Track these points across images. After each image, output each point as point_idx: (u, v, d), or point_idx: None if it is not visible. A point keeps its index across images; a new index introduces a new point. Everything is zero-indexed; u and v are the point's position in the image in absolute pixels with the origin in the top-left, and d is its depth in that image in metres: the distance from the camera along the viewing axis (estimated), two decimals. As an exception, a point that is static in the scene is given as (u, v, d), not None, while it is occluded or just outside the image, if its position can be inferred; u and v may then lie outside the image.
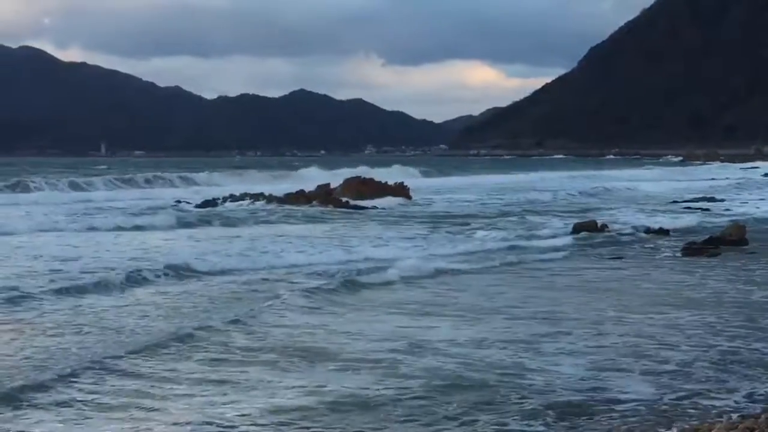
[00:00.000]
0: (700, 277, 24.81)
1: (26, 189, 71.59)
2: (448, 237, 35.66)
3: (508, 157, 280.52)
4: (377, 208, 51.90)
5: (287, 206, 51.13)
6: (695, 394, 12.78)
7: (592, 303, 20.15)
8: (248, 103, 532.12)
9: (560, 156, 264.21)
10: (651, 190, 74.68)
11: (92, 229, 37.92)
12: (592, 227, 37.33)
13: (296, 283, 22.93)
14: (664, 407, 12.14)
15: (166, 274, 23.80)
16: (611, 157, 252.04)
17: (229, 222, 42.00)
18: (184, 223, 40.83)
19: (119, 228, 38.43)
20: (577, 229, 36.92)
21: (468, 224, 41.62)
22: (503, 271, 26.62)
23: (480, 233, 36.75)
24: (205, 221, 41.80)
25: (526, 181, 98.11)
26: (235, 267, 25.84)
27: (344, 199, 54.30)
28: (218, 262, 26.02)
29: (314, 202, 52.92)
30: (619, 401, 12.37)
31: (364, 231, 37.99)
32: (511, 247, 32.21)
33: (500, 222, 43.05)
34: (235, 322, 17.38)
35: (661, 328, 17.17)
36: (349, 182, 61.09)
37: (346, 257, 28.33)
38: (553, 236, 35.72)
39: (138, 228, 38.67)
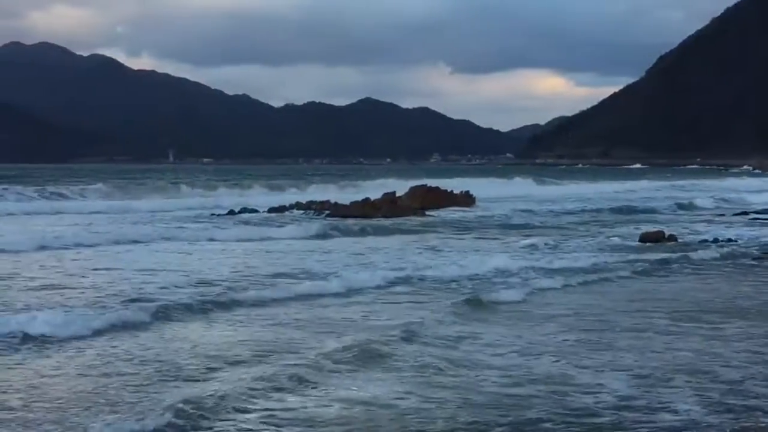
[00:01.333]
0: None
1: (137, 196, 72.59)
2: (549, 247, 34.06)
3: (584, 166, 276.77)
4: (443, 216, 51.78)
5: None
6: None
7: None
8: (315, 111, 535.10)
9: (637, 165, 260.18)
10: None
11: (212, 240, 36.17)
12: None
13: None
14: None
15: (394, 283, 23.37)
16: (695, 166, 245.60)
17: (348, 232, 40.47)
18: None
19: (242, 239, 36.47)
20: None
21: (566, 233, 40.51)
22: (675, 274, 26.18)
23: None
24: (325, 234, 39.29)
25: (624, 189, 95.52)
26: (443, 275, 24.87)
27: (414, 207, 54.03)
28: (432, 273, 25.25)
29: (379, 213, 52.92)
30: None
31: (462, 241, 36.63)
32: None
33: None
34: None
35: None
36: (414, 190, 60.74)
37: (485, 268, 26.56)
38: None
39: (268, 239, 37.01)
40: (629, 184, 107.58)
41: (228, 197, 70.42)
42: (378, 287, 22.50)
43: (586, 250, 32.68)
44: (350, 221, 45.97)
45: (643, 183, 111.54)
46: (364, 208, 53.32)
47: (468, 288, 22.56)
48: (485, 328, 17.25)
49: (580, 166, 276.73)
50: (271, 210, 53.65)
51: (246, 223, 46.16)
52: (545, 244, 34.60)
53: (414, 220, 48.52)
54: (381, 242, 35.88)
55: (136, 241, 34.36)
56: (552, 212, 55.83)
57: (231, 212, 53.00)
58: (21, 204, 59.65)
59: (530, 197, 77.45)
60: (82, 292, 21.10)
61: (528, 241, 35.88)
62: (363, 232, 40.20)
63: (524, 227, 44.55)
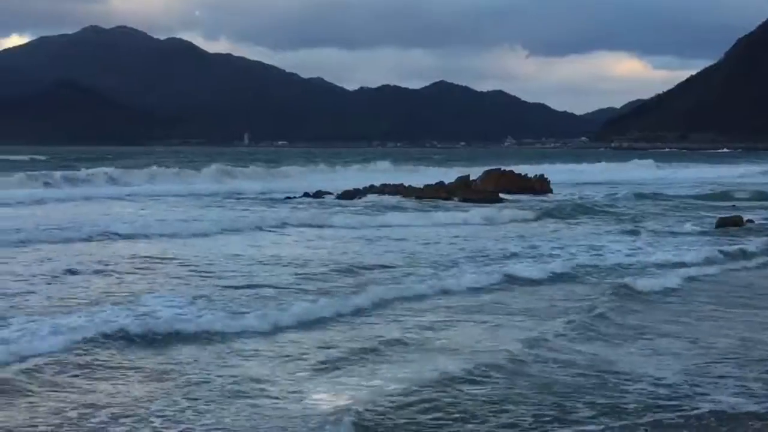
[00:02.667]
0: None
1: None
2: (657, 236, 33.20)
3: (667, 150, 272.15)
4: (520, 201, 51.47)
5: (432, 200, 50.87)
6: None
7: None
8: (389, 94, 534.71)
9: (725, 150, 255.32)
10: None
11: (331, 226, 35.48)
12: None
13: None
14: None
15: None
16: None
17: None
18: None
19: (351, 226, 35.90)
20: None
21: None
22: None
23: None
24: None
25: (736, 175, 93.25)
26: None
27: (488, 191, 53.65)
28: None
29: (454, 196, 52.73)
30: None
31: (571, 230, 35.51)
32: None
33: None
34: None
35: None
36: (489, 174, 60.37)
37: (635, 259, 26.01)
38: None
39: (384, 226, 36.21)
40: (742, 169, 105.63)
41: (299, 180, 70.68)
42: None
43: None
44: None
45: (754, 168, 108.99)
46: (437, 192, 53.20)
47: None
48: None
49: (667, 150, 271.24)
50: (345, 193, 53.67)
51: (333, 207, 46.25)
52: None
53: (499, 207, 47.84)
54: (515, 229, 35.42)
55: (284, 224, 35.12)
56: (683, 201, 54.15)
57: (306, 195, 53.24)
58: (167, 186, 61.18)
59: (646, 182, 77.67)
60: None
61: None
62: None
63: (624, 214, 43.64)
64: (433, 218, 39.83)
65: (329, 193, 53.68)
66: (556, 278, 22.29)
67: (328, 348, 14.43)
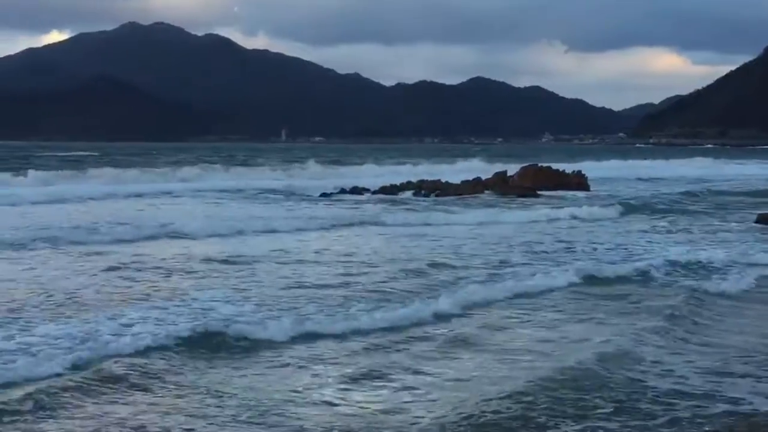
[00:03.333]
0: None
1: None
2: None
3: (710, 146, 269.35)
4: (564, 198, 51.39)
5: (469, 196, 50.96)
6: None
7: None
8: (426, 90, 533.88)
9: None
10: None
11: (407, 224, 34.89)
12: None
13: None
14: None
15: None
16: None
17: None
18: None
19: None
20: None
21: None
22: None
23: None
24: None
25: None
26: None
27: (524, 187, 53.59)
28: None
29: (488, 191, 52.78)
30: None
31: (628, 226, 34.90)
32: None
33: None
34: None
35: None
36: (526, 170, 60.16)
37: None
38: None
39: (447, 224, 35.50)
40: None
41: (336, 178, 70.72)
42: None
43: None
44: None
45: None
46: (474, 188, 53.22)
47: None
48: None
49: (710, 146, 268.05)
50: (382, 189, 53.76)
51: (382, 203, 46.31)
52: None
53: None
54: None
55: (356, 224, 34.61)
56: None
57: (342, 191, 53.31)
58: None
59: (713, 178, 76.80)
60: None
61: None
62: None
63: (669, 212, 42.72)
64: (507, 216, 38.66)
65: (366, 189, 53.73)
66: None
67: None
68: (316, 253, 25.49)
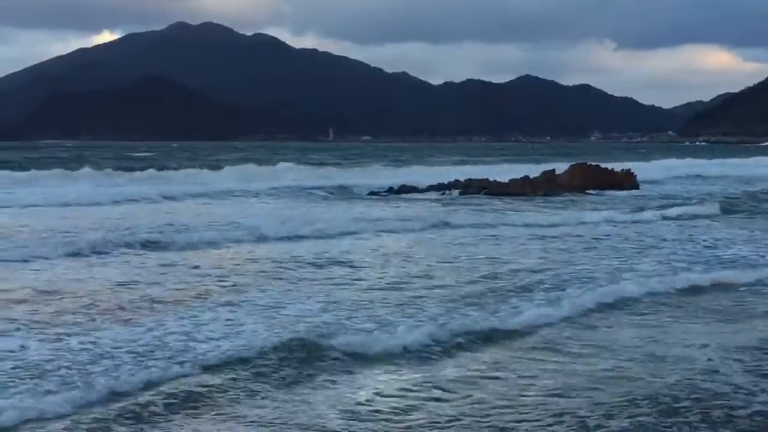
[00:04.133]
0: None
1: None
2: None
3: (766, 144, 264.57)
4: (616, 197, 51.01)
5: (518, 195, 50.75)
6: None
7: None
8: (474, 88, 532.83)
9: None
10: None
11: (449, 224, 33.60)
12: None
13: None
14: None
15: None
16: None
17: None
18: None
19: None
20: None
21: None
22: None
23: None
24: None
25: None
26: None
27: (573, 186, 53.25)
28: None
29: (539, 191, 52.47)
30: None
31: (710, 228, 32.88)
32: None
33: None
34: None
35: None
36: (574, 168, 59.77)
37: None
38: None
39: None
40: None
41: (385, 177, 70.67)
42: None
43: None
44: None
45: None
46: (522, 186, 52.92)
47: None
48: None
49: (766, 144, 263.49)
50: (430, 188, 53.65)
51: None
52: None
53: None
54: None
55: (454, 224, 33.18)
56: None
57: (390, 190, 53.22)
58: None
59: None
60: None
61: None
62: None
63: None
64: (589, 216, 36.98)
65: (414, 188, 53.63)
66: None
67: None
68: (407, 253, 24.82)
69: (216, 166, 76.67)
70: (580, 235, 29.59)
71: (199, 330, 14.65)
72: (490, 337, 14.47)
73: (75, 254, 23.39)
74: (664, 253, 25.20)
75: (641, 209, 40.55)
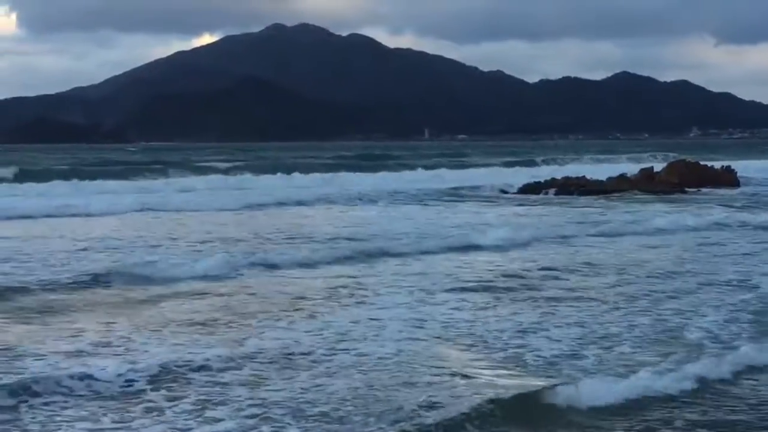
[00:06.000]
0: None
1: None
2: None
3: None
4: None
5: (614, 193, 50.53)
6: None
7: None
8: (570, 86, 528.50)
9: None
10: None
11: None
12: None
13: None
14: None
15: None
16: None
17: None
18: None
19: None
20: None
21: None
22: None
23: None
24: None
25: None
26: None
27: (672, 183, 52.80)
28: None
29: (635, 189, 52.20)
30: None
31: None
32: None
33: None
34: None
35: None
36: (673, 165, 59.34)
37: None
38: None
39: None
40: None
41: (478, 175, 70.80)
42: None
43: None
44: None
45: None
46: (620, 184, 52.74)
47: None
48: None
49: None
50: (526, 187, 53.80)
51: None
52: None
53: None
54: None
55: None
56: None
57: (484, 187, 53.55)
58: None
59: None
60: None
61: None
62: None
63: None
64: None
65: (510, 186, 53.93)
66: None
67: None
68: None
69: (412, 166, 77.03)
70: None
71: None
72: None
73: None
74: None
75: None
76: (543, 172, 68.86)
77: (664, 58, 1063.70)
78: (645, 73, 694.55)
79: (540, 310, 16.93)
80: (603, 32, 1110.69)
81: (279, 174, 69.44)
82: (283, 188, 54.23)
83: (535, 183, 54.64)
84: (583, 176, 56.97)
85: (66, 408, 10.99)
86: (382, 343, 14.13)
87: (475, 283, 19.90)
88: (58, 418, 10.65)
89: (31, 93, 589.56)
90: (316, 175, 68.02)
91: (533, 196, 49.89)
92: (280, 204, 43.26)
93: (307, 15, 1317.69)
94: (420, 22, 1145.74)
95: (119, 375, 12.11)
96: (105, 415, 10.76)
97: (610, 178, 54.79)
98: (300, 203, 43.61)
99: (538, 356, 13.53)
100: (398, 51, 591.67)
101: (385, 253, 24.50)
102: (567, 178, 55.66)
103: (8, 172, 68.70)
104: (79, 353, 13.45)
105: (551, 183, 54.17)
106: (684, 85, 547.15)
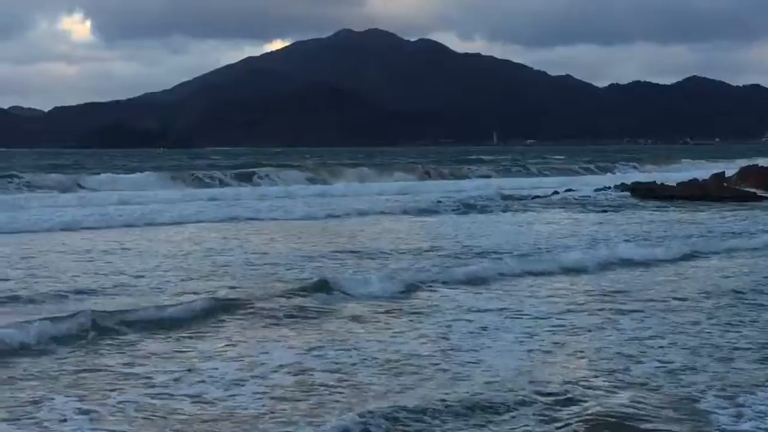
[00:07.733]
0: None
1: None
2: None
3: None
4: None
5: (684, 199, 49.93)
6: None
7: None
8: (640, 90, 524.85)
9: None
10: None
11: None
12: None
13: None
14: None
15: None
16: None
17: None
18: None
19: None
20: None
21: None
22: None
23: None
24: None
25: None
26: None
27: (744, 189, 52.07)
28: None
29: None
30: None
31: None
32: None
33: None
34: None
35: None
36: (746, 171, 58.44)
37: None
38: None
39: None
40: None
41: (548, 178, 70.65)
42: None
43: None
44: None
45: None
46: (691, 189, 52.10)
47: None
48: None
49: None
50: (596, 191, 53.49)
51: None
52: None
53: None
54: None
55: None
56: None
57: (555, 192, 53.32)
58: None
59: None
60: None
61: None
62: None
63: None
64: None
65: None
66: None
67: None
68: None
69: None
70: None
71: None
72: None
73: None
74: None
75: None
76: (634, 177, 68.28)
77: (737, 63, 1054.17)
78: (717, 77, 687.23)
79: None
80: (677, 36, 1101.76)
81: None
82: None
83: (604, 187, 54.21)
84: (653, 181, 56.34)
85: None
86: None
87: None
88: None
89: (104, 98, 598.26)
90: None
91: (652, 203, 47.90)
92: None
93: (377, 20, 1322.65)
94: (490, 27, 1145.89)
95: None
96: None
97: (680, 183, 54.00)
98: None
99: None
100: (466, 56, 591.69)
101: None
102: (637, 183, 55.08)
103: None
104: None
105: (619, 187, 53.73)
106: (756, 89, 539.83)
